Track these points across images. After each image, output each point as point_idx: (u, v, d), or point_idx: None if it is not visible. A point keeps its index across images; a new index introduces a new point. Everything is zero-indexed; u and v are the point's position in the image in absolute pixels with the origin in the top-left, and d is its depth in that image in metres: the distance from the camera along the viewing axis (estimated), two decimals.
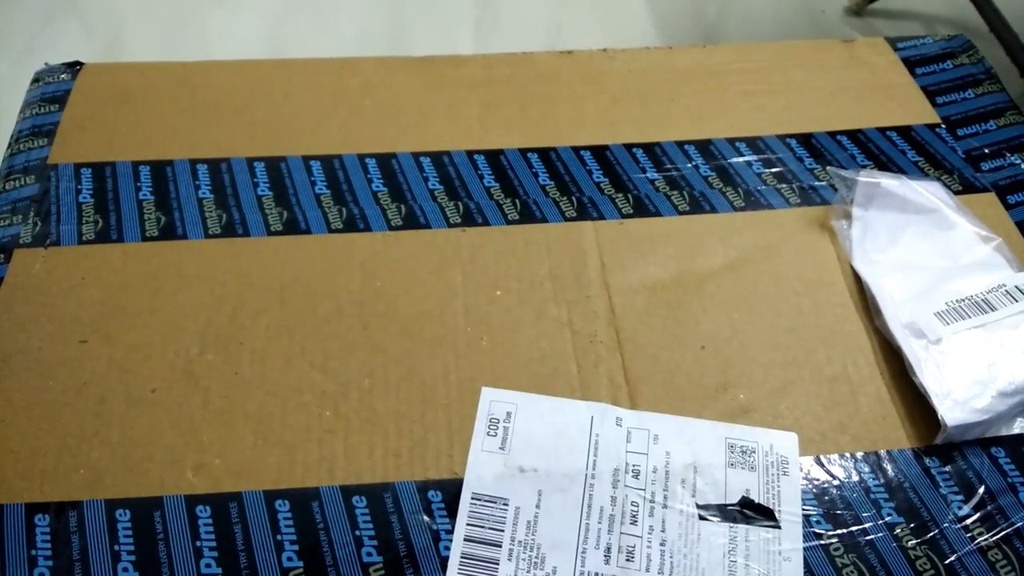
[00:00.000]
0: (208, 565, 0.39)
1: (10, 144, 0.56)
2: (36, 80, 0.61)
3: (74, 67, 0.61)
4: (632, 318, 0.48)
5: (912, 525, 0.41)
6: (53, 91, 0.59)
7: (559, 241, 0.52)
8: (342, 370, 0.46)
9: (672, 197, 0.55)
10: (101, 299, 0.48)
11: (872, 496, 0.42)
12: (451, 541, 0.40)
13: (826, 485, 0.43)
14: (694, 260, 0.51)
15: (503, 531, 0.40)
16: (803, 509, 0.42)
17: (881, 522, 0.41)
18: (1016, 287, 0.49)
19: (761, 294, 0.50)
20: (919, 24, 1.16)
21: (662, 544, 0.40)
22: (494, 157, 0.57)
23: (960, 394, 0.44)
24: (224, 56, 0.64)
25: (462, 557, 0.40)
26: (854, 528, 0.41)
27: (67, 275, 0.49)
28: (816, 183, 0.56)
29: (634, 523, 0.41)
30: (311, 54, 0.64)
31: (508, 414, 0.44)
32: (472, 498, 0.41)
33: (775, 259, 0.52)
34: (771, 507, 0.42)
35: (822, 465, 0.43)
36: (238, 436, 0.43)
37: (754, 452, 0.43)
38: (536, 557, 0.40)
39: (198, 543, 0.39)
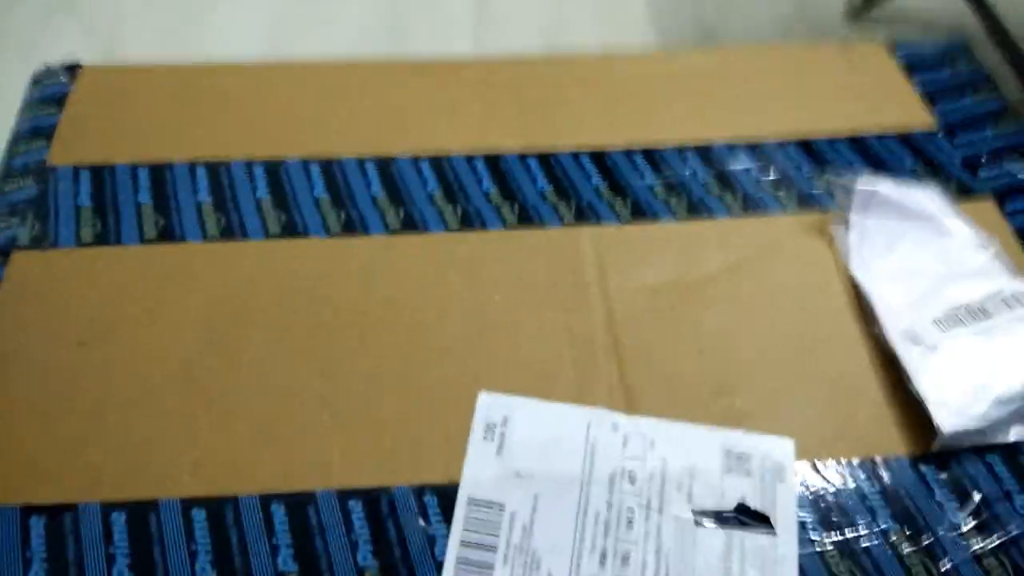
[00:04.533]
0: (204, 569, 0.39)
1: (9, 146, 0.56)
2: (35, 81, 0.61)
3: (73, 69, 0.61)
4: (630, 323, 0.48)
5: (907, 532, 0.41)
6: (52, 93, 0.59)
7: (557, 245, 0.52)
8: (339, 373, 0.46)
9: (670, 202, 0.55)
10: (99, 301, 0.48)
11: (868, 503, 0.42)
12: (447, 545, 0.40)
13: (822, 491, 0.43)
14: (692, 265, 0.51)
15: (499, 536, 0.40)
16: (799, 515, 0.42)
17: (877, 529, 0.42)
18: (1013, 294, 0.49)
19: (758, 300, 0.50)
20: (917, 29, 1.16)
21: (658, 550, 0.40)
22: (493, 161, 0.57)
23: (957, 401, 0.44)
24: (224, 56, 0.64)
25: (457, 561, 0.40)
26: (849, 535, 0.41)
27: (65, 277, 0.49)
28: (814, 189, 0.56)
29: (630, 529, 0.41)
30: (311, 54, 0.64)
31: (505, 418, 0.44)
32: (468, 502, 0.41)
33: (773, 265, 0.52)
34: (767, 513, 0.42)
35: (818, 471, 0.43)
36: (235, 439, 0.43)
37: (751, 458, 0.43)
38: (531, 562, 0.40)
39: (193, 546, 0.39)
